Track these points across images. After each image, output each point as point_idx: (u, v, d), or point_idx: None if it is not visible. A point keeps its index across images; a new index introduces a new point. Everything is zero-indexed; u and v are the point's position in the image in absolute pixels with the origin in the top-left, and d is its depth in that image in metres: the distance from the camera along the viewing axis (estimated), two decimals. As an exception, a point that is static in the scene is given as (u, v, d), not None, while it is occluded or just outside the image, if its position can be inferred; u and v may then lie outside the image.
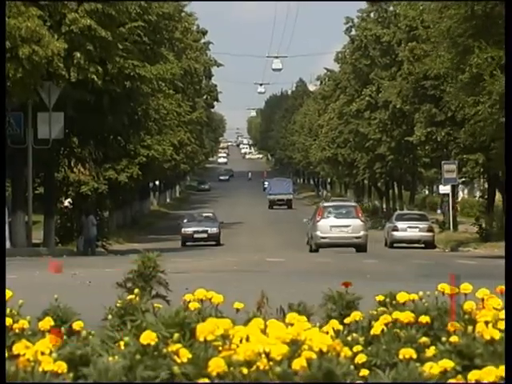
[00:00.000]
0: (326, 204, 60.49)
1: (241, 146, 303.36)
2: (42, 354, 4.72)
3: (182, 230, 60.45)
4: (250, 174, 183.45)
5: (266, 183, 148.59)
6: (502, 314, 5.50)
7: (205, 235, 58.05)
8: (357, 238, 51.65)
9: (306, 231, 55.39)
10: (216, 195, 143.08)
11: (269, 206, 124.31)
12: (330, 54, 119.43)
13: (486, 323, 5.39)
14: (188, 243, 57.24)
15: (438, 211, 71.32)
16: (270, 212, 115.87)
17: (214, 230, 58.73)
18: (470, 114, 42.70)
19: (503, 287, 6.12)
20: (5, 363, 1.94)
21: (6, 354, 4.62)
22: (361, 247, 51.07)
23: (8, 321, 5.93)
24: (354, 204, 63.36)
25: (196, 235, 58.04)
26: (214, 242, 57.66)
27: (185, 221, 62.87)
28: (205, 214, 65.37)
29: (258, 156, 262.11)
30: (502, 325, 5.33)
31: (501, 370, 4.28)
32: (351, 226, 52.34)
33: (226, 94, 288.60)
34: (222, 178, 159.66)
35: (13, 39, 40.70)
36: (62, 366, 4.54)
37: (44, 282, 14.20)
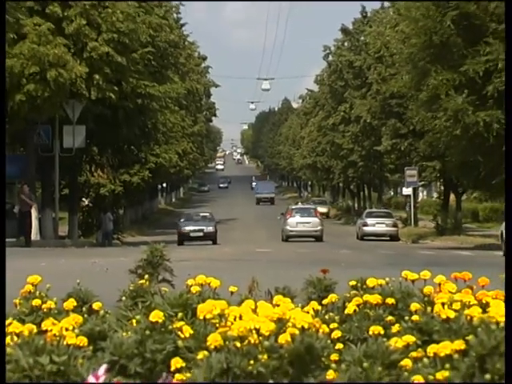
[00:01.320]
0: (293, 207, 69.08)
1: (234, 154, 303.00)
2: (67, 329, 4.72)
3: (179, 228, 55.35)
4: (253, 177, 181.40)
5: (254, 184, 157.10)
6: (457, 297, 5.50)
7: (201, 234, 53.41)
8: (315, 231, 58.23)
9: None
10: (214, 196, 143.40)
11: (256, 203, 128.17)
12: (310, 77, 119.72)
13: (443, 304, 5.39)
14: (185, 242, 51.94)
15: (407, 209, 71.44)
16: (257, 208, 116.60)
17: (210, 228, 53.97)
18: (428, 127, 42.72)
19: (457, 274, 6.12)
20: (5, 363, 1.87)
21: (35, 330, 4.61)
22: (318, 238, 57.44)
23: (37, 302, 5.92)
24: (313, 207, 71.65)
25: (192, 234, 53.24)
26: (210, 241, 52.77)
27: (182, 220, 57.98)
28: (202, 214, 60.41)
29: (250, 162, 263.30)
30: (456, 306, 5.33)
31: (455, 345, 4.28)
32: (311, 223, 58.99)
33: (222, 111, 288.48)
34: (221, 185, 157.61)
35: (42, 64, 40.70)
36: (83, 340, 4.53)
37: (68, 269, 14.20)
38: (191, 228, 53.77)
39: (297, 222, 59.17)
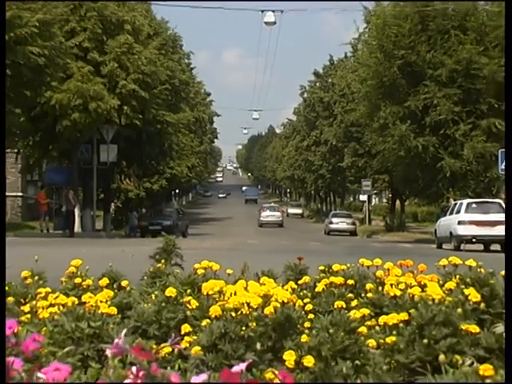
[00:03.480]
0: (264, 205, 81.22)
1: (231, 167, 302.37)
2: (101, 302, 4.70)
3: (141, 223, 49.11)
4: (243, 187, 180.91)
5: (244, 188, 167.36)
6: (402, 279, 5.50)
7: (159, 227, 43.91)
8: (278, 220, 72.45)
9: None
10: (214, 199, 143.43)
11: (244, 202, 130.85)
12: (290, 109, 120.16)
13: (391, 285, 5.40)
14: (145, 235, 45.08)
15: (363, 210, 71.50)
16: (246, 206, 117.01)
17: (168, 223, 46.09)
18: (379, 149, 42.77)
19: (402, 261, 6.13)
20: (5, 363, 1.81)
21: (77, 302, 4.59)
22: (280, 224, 71.06)
23: (78, 280, 5.91)
24: (277, 205, 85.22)
25: (150, 227, 45.62)
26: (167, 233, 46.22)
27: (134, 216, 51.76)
28: (168, 209, 53.14)
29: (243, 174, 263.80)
30: (401, 286, 5.33)
31: (400, 316, 4.27)
32: (275, 215, 73.95)
33: (222, 134, 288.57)
34: (220, 195, 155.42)
35: (84, 97, 40.68)
36: (113, 310, 4.51)
37: (103, 255, 14.17)
38: (150, 221, 47.43)
39: (266, 215, 73.81)
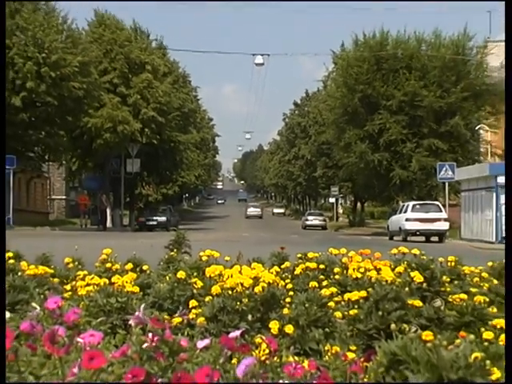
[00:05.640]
0: (249, 204, 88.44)
1: (229, 176, 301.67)
2: (126, 282, 4.68)
3: (139, 219, 45.25)
4: (240, 191, 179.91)
5: (241, 191, 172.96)
6: (362, 264, 5.48)
7: (155, 222, 42.46)
8: (259, 214, 77.75)
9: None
10: (216, 202, 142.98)
11: (238, 201, 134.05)
12: (275, 131, 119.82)
13: (353, 269, 5.38)
14: (143, 229, 41.42)
15: (340, 211, 71.40)
16: (239, 205, 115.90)
17: (162, 219, 43.06)
18: (344, 162, 42.78)
19: (362, 250, 6.11)
20: (5, 363, 1.78)
21: (108, 282, 4.57)
22: (260, 217, 75.46)
23: (109, 265, 5.88)
24: (258, 204, 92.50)
25: (147, 222, 42.52)
26: (163, 228, 41.19)
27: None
28: (162, 207, 47.61)
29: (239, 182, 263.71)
30: (361, 270, 5.31)
31: (360, 294, 4.26)
32: (257, 210, 79.18)
33: (222, 151, 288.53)
34: (219, 201, 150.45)
35: (114, 122, 40.67)
36: (136, 289, 4.49)
37: (128, 245, 14.17)
38: (148, 218, 43.72)
39: (251, 210, 79.34)
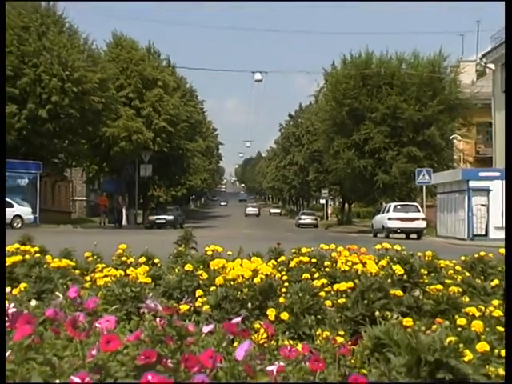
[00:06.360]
0: (248, 204, 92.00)
1: (231, 180, 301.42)
2: (140, 274, 4.67)
3: (149, 217, 42.85)
4: (241, 192, 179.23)
5: (241, 193, 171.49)
6: (349, 258, 5.46)
7: (163, 221, 40.75)
8: (256, 212, 79.73)
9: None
10: (219, 203, 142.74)
11: (239, 201, 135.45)
12: (272, 140, 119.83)
13: (342, 262, 5.37)
14: (153, 227, 39.77)
15: (330, 211, 71.33)
16: (240, 205, 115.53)
17: (170, 217, 41.28)
18: (333, 168, 42.73)
19: (349, 246, 6.11)
20: (5, 363, 1.76)
21: (123, 274, 4.56)
22: (257, 215, 76.76)
23: (124, 258, 5.87)
24: (256, 204, 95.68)
25: (157, 221, 40.66)
26: (171, 226, 39.91)
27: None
28: (169, 207, 45.80)
29: (239, 185, 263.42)
30: (349, 263, 5.30)
31: (348, 284, 4.25)
32: (254, 209, 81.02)
33: (225, 157, 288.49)
34: (222, 204, 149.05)
35: (129, 131, 40.69)
36: (148, 280, 4.48)
37: (141, 240, 14.14)
38: (157, 217, 41.86)
39: (249, 209, 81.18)
